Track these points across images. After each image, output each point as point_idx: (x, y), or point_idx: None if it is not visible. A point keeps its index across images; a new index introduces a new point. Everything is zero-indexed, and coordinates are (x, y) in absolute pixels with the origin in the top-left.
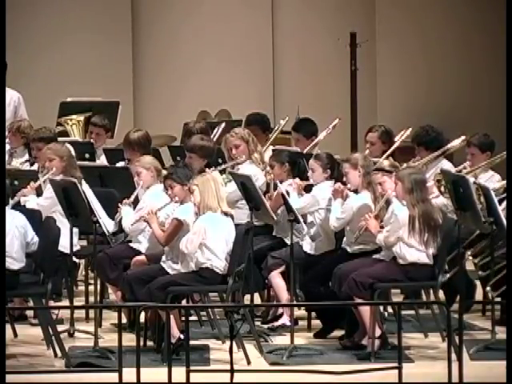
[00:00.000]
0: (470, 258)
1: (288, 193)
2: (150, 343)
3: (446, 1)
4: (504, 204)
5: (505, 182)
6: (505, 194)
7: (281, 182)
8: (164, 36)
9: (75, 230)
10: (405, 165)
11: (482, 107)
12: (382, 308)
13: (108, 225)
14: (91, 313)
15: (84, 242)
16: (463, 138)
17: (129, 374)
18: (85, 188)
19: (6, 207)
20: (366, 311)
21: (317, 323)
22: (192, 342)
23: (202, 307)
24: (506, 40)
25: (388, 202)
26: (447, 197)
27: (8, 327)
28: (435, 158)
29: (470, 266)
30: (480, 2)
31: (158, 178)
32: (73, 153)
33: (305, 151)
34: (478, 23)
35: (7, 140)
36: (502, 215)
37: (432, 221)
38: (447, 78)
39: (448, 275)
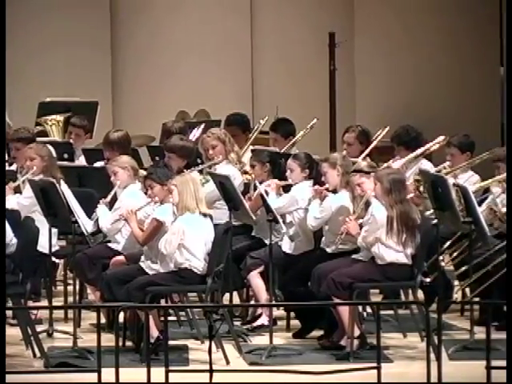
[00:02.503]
0: (447, 261)
1: (267, 193)
2: (128, 343)
3: (425, 0)
4: (484, 206)
5: (483, 183)
6: (484, 196)
7: (261, 183)
8: (143, 36)
9: (54, 230)
10: (385, 165)
11: (460, 107)
12: (360, 308)
13: (87, 225)
14: (70, 313)
15: (63, 242)
16: (442, 137)
17: (108, 374)
18: (63, 188)
19: None
20: (344, 311)
21: (296, 323)
22: (171, 342)
23: (180, 307)
24: (506, 41)
25: (368, 203)
26: (426, 197)
27: None
28: (415, 158)
29: (448, 265)
30: (459, 2)
31: (134, 178)
32: (54, 154)
33: (282, 151)
34: (460, 23)
35: None
36: (481, 215)
37: (410, 221)
38: (427, 77)
39: (429, 279)
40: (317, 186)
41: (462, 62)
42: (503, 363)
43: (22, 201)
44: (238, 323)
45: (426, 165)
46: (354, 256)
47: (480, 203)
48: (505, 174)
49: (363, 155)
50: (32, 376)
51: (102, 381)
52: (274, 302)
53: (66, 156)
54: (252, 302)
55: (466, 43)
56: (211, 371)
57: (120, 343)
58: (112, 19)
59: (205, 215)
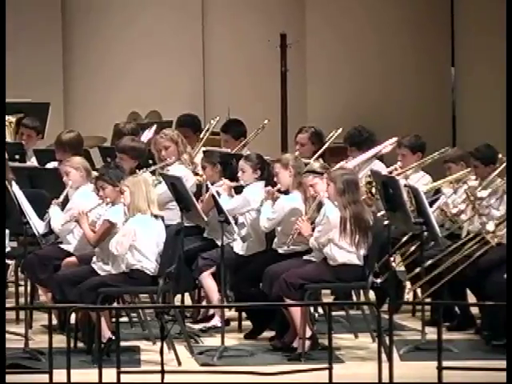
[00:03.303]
0: (399, 262)
1: (219, 194)
2: (80, 344)
3: (377, 1)
4: (435, 206)
5: (434, 184)
6: (435, 197)
7: (213, 184)
8: (94, 37)
9: (6, 231)
10: (337, 165)
11: (412, 108)
12: (312, 309)
13: (38, 226)
14: (21, 314)
15: (14, 244)
16: (395, 139)
17: (59, 375)
18: (15, 189)
19: None
20: (296, 312)
21: (247, 324)
22: (122, 343)
23: (132, 308)
24: (506, 42)
25: (320, 204)
26: (378, 198)
27: None
28: (367, 159)
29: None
30: (420, 3)
31: (87, 179)
32: (5, 155)
33: (233, 152)
34: (410, 24)
35: None
36: (433, 216)
37: (363, 222)
38: (378, 78)
39: (380, 280)
40: (269, 188)
41: (414, 62)
42: (454, 363)
43: None
44: (189, 324)
45: (378, 166)
46: (305, 257)
47: (431, 204)
48: (456, 175)
49: (316, 156)
50: None
51: (54, 382)
52: (225, 303)
53: (17, 157)
54: (204, 303)
55: (417, 44)
56: (163, 372)
57: (71, 344)
58: (63, 20)
59: (156, 217)
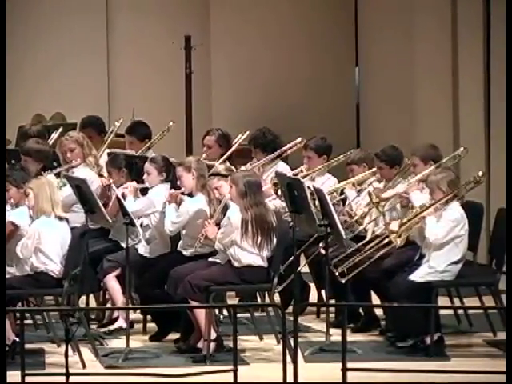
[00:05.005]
0: (304, 264)
1: (124, 196)
2: None
3: (283, 2)
4: (340, 208)
5: (337, 185)
6: (341, 197)
7: (119, 187)
8: None
9: None
10: (242, 168)
11: (319, 111)
12: (217, 311)
13: None
14: None
15: None
16: (299, 139)
17: None
18: None
19: None
20: (201, 314)
21: (152, 326)
22: (27, 346)
23: (37, 310)
24: (506, 42)
25: (226, 206)
26: (283, 200)
27: None
28: (272, 160)
29: (304, 268)
30: (323, 3)
31: None
32: None
33: (138, 153)
34: (313, 24)
35: None
36: (337, 217)
37: (266, 224)
38: (284, 80)
39: (283, 285)
40: (172, 191)
41: (320, 64)
42: (358, 365)
43: None
44: (94, 326)
45: (282, 167)
46: (210, 259)
47: (335, 206)
48: (359, 176)
49: (222, 158)
50: None
51: None
52: (130, 305)
53: None
54: (108, 305)
55: (322, 45)
56: (68, 374)
57: None
58: None
59: (60, 218)
